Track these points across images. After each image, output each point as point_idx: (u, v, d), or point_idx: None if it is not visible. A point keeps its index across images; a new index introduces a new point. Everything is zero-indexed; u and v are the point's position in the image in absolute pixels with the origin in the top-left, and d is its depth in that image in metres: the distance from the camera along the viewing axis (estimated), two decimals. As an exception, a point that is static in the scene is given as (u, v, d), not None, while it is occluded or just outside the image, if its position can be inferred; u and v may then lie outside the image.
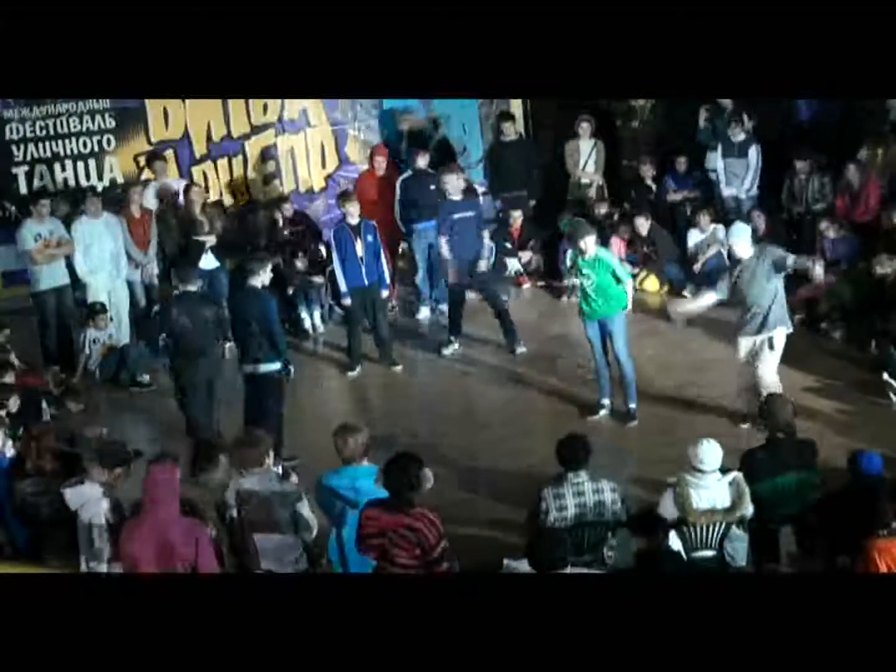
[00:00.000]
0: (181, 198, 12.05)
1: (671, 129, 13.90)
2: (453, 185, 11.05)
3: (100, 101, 12.64)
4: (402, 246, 12.83)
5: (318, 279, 12.28)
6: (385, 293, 11.32)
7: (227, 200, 13.28)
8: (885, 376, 9.29)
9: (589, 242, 9.19)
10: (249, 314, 8.94)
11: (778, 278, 8.59)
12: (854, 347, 10.28)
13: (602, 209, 13.07)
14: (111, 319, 11.40)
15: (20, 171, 12.52)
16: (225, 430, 9.32)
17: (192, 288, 9.32)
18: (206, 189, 13.15)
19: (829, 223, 11.58)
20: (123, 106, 12.65)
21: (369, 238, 10.78)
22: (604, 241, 12.64)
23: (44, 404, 9.32)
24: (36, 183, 12.56)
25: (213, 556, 6.10)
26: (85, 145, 12.71)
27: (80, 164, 12.71)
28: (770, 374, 8.66)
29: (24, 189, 12.51)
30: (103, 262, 11.47)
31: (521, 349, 10.94)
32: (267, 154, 13.48)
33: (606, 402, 9.49)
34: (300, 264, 12.34)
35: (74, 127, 12.63)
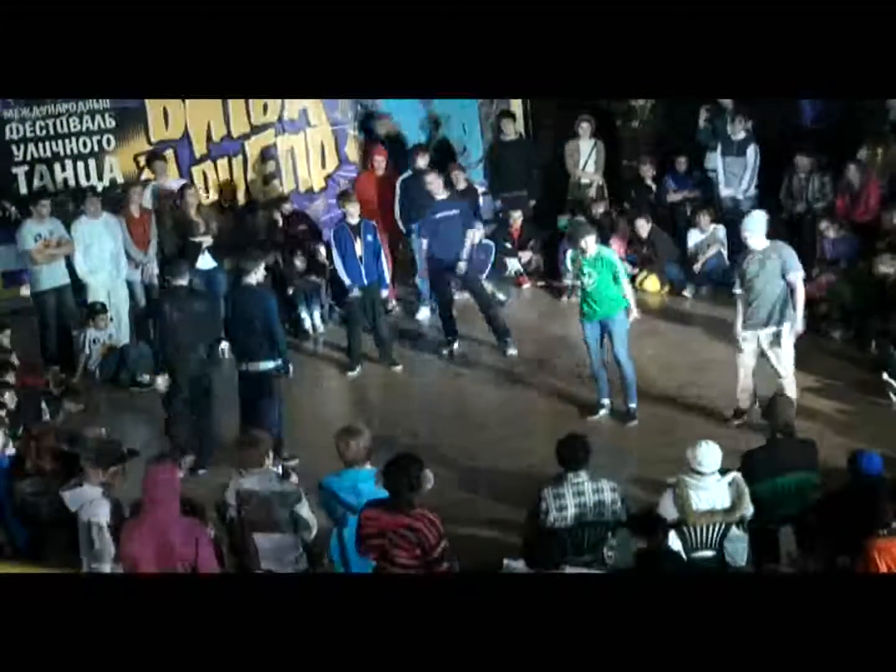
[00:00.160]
0: (178, 198, 12.04)
1: (671, 129, 13.89)
2: (435, 184, 11.03)
3: (100, 101, 12.63)
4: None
5: (318, 279, 12.29)
6: (385, 293, 11.33)
7: (227, 200, 13.26)
8: (885, 376, 9.29)
9: (590, 242, 9.21)
10: (250, 312, 8.94)
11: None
12: (854, 347, 10.29)
13: (600, 209, 13.07)
14: (111, 319, 11.40)
15: (20, 171, 12.51)
16: (223, 429, 9.38)
17: (183, 282, 9.32)
18: (206, 189, 13.17)
19: (829, 223, 11.58)
20: (123, 106, 12.64)
21: (369, 238, 10.78)
22: (604, 241, 12.70)
23: (44, 404, 9.31)
24: (36, 183, 12.55)
25: (213, 556, 6.09)
26: (85, 145, 12.70)
27: (80, 164, 12.70)
28: (785, 370, 8.67)
29: (24, 189, 12.50)
30: (103, 262, 11.47)
31: (512, 351, 10.93)
32: (267, 154, 13.47)
33: (606, 401, 9.49)
34: (300, 264, 12.34)
35: (74, 127, 12.62)
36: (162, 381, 9.17)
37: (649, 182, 13.34)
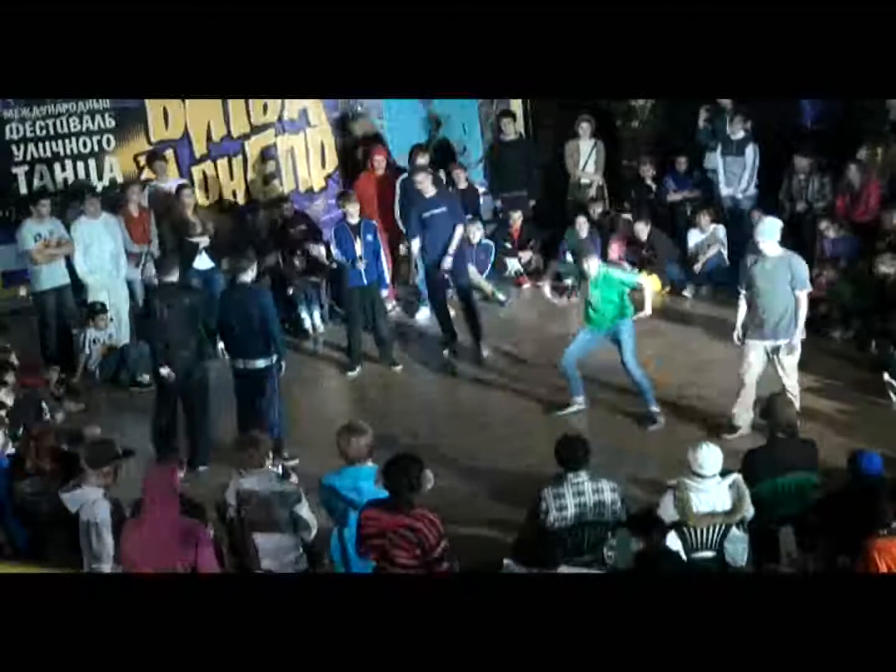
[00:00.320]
0: (173, 199, 12.04)
1: (671, 129, 13.90)
2: (424, 183, 11.02)
3: (100, 101, 12.63)
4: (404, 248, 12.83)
5: (318, 279, 12.29)
6: (385, 293, 11.33)
7: (227, 200, 13.27)
8: (886, 376, 9.29)
9: (592, 264, 9.18)
10: (246, 310, 8.96)
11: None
12: (854, 347, 10.29)
13: (599, 209, 13.08)
14: (111, 319, 11.40)
15: (20, 171, 12.51)
16: (218, 426, 9.40)
17: (172, 279, 9.33)
18: (206, 189, 13.17)
19: (829, 223, 11.58)
20: (123, 106, 12.63)
21: (369, 238, 10.79)
22: (603, 242, 12.72)
23: (44, 404, 9.31)
24: (36, 183, 12.55)
25: (213, 557, 6.10)
26: (85, 145, 12.69)
27: (80, 164, 12.70)
28: (791, 379, 8.61)
29: (24, 189, 12.50)
30: (103, 261, 11.47)
31: (485, 353, 10.94)
32: (267, 154, 13.47)
33: (580, 399, 9.52)
34: (300, 264, 12.34)
35: (74, 127, 12.61)
36: (167, 373, 9.16)
37: (649, 182, 13.35)
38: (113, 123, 12.73)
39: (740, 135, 12.45)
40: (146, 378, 10.85)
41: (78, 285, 11.52)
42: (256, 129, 13.38)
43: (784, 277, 8.47)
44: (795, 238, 11.31)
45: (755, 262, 8.61)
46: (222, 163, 13.30)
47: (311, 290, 12.22)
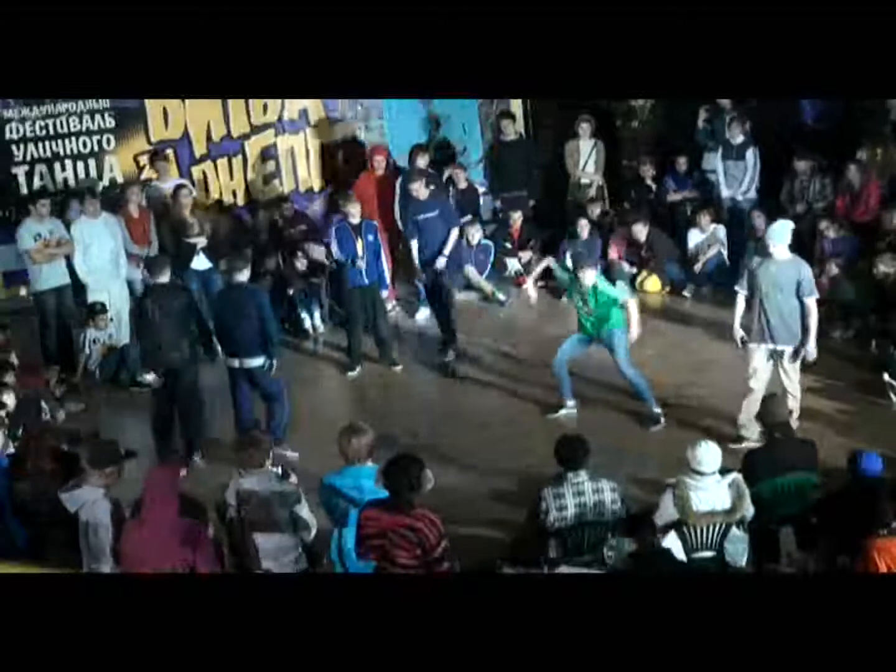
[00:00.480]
0: (170, 199, 12.05)
1: (671, 129, 13.90)
2: (418, 190, 11.07)
3: (100, 101, 12.63)
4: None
5: (318, 279, 12.28)
6: (385, 293, 11.33)
7: (224, 201, 13.27)
8: (886, 376, 9.29)
9: (588, 275, 9.18)
10: (243, 309, 8.98)
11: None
12: (854, 347, 10.29)
13: (599, 209, 13.08)
14: (111, 319, 11.40)
15: (20, 171, 12.52)
16: (216, 427, 9.41)
17: (163, 280, 9.35)
18: (206, 189, 13.17)
19: (829, 223, 11.58)
20: (123, 106, 12.64)
21: (370, 238, 10.79)
22: (603, 242, 12.73)
23: (44, 404, 9.31)
24: (36, 183, 12.55)
25: (212, 557, 6.09)
26: (85, 145, 12.70)
27: (80, 164, 12.71)
28: (794, 385, 8.58)
29: (24, 189, 12.50)
30: (103, 262, 11.46)
31: (450, 357, 10.97)
32: (267, 154, 13.47)
33: (571, 402, 9.54)
34: (300, 264, 12.34)
35: (74, 127, 12.62)
36: (152, 378, 9.21)
37: (649, 182, 13.35)
38: (113, 123, 12.74)
39: (740, 139, 12.44)
40: (146, 378, 10.84)
41: (78, 285, 11.52)
42: (256, 129, 13.39)
43: (791, 282, 8.35)
44: (796, 239, 11.31)
45: (760, 264, 8.51)
46: (222, 163, 13.31)
47: (311, 290, 12.22)
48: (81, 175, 12.66)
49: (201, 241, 11.74)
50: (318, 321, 12.20)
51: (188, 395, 9.29)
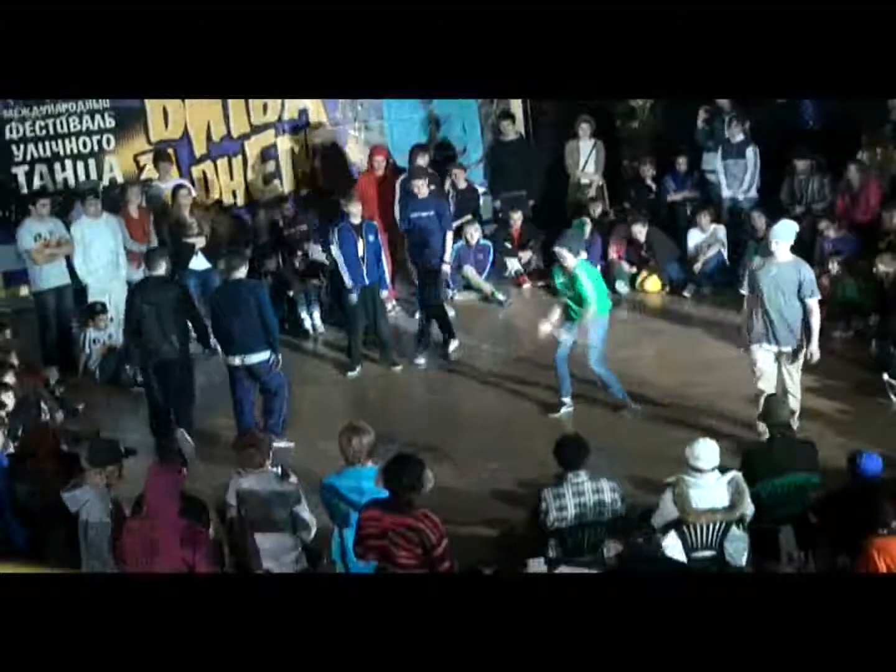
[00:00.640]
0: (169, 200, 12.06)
1: (671, 129, 13.90)
2: (420, 188, 11.10)
3: (100, 101, 12.64)
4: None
5: (318, 279, 12.28)
6: (385, 293, 11.33)
7: (227, 200, 13.28)
8: (886, 376, 9.29)
9: (568, 259, 9.20)
10: (243, 305, 9.00)
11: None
12: (854, 347, 10.28)
13: (599, 209, 13.08)
14: (111, 319, 11.39)
15: (20, 171, 12.52)
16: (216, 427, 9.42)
17: (159, 272, 9.37)
18: (206, 189, 13.17)
19: (828, 223, 11.58)
20: (123, 106, 12.65)
21: (371, 238, 10.78)
22: (603, 242, 12.73)
23: (44, 404, 9.32)
24: (36, 183, 12.56)
25: (211, 558, 6.09)
26: (85, 145, 12.71)
27: (80, 164, 12.71)
28: (795, 386, 8.55)
29: (24, 189, 12.51)
30: (103, 262, 11.46)
31: (420, 360, 10.99)
32: (267, 154, 13.48)
33: (567, 400, 9.54)
34: (300, 265, 12.34)
35: (74, 127, 12.63)
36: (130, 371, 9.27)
37: (649, 182, 13.35)
38: (113, 123, 12.75)
39: (739, 137, 12.45)
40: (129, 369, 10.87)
41: (78, 285, 11.52)
42: (256, 129, 13.39)
43: (792, 284, 8.32)
44: (796, 239, 11.31)
45: (761, 266, 8.48)
46: (222, 163, 13.31)
47: (311, 290, 12.21)
48: (81, 175, 12.67)
49: (200, 242, 11.74)
50: (318, 321, 12.20)
51: (179, 387, 9.36)
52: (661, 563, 6.15)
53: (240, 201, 13.45)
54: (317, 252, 12.43)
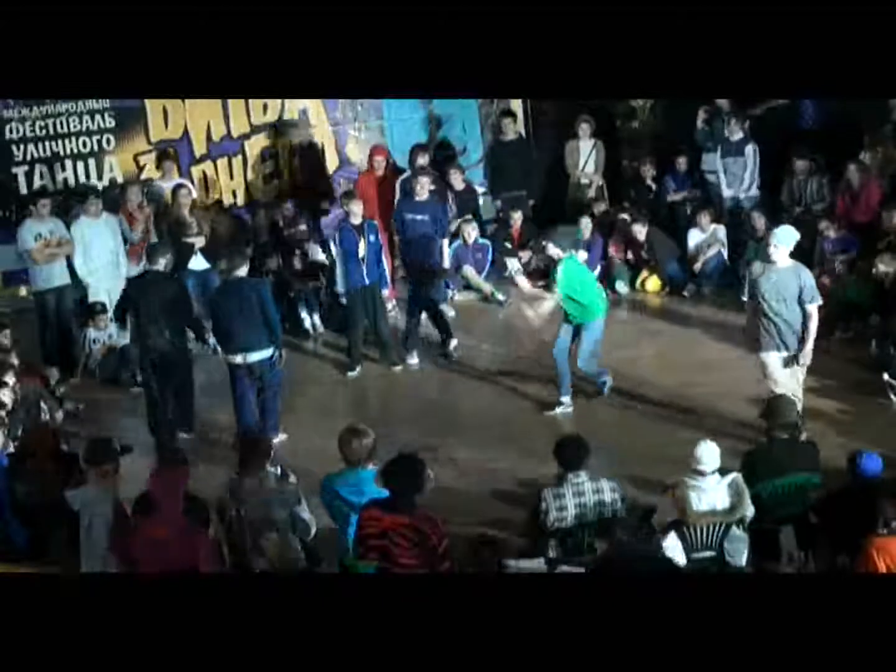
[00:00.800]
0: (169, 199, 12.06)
1: (671, 129, 13.90)
2: (421, 188, 11.11)
3: (100, 101, 12.64)
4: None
5: (318, 279, 12.28)
6: (385, 293, 11.34)
7: (227, 200, 13.28)
8: (886, 376, 9.29)
9: (552, 249, 9.34)
10: (246, 302, 9.01)
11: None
12: (854, 347, 10.28)
13: (599, 209, 13.08)
14: (111, 319, 11.39)
15: (20, 171, 12.52)
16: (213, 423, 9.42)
17: (157, 267, 9.39)
18: (206, 189, 13.17)
19: (829, 223, 11.58)
20: (123, 106, 12.65)
21: (371, 238, 10.79)
22: (603, 242, 12.74)
23: (43, 404, 9.32)
24: (36, 183, 12.56)
25: (212, 558, 6.09)
26: (85, 145, 12.71)
27: (80, 164, 12.71)
28: (800, 388, 8.53)
29: (24, 189, 12.51)
30: (103, 261, 11.47)
31: (412, 360, 10.98)
32: (267, 154, 13.47)
33: (566, 399, 9.55)
34: (300, 265, 12.33)
35: (74, 127, 12.63)
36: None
37: (649, 182, 13.35)
38: (113, 123, 12.75)
39: (739, 136, 12.45)
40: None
41: (78, 285, 11.52)
42: (256, 129, 13.39)
43: (793, 290, 8.25)
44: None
45: (761, 273, 8.38)
46: (222, 163, 13.31)
47: (311, 290, 12.21)
48: (81, 175, 12.66)
49: (199, 241, 11.74)
50: (317, 321, 12.20)
51: (177, 384, 9.39)
52: (647, 561, 6.13)
53: (240, 201, 13.45)
54: (317, 252, 12.44)
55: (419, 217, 11.03)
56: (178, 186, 12.09)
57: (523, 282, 9.56)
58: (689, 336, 11.22)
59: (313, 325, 12.15)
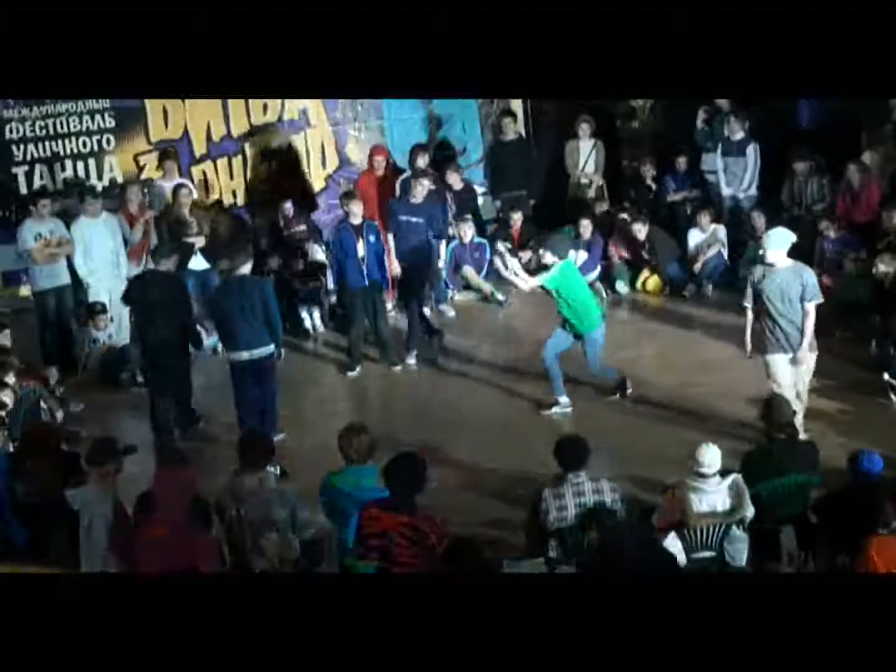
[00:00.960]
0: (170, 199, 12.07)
1: (671, 129, 13.91)
2: (418, 189, 11.11)
3: (100, 101, 12.64)
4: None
5: (318, 279, 12.28)
6: (385, 293, 11.34)
7: (227, 200, 13.28)
8: (886, 376, 9.29)
9: (548, 258, 9.41)
10: (248, 300, 9.02)
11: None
12: (854, 347, 10.28)
13: (599, 209, 13.08)
14: (111, 319, 11.40)
15: (20, 171, 12.53)
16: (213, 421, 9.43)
17: (161, 268, 9.41)
18: (206, 189, 13.17)
19: (829, 223, 11.58)
20: (123, 106, 12.65)
21: (371, 238, 10.79)
22: (603, 241, 12.74)
23: (44, 404, 9.32)
24: (36, 183, 12.56)
25: (213, 559, 6.09)
26: (85, 145, 12.71)
27: (80, 164, 12.71)
28: (804, 387, 8.53)
29: (24, 189, 12.51)
30: (103, 261, 11.47)
31: (410, 361, 10.98)
32: (266, 154, 13.47)
33: (563, 399, 9.57)
34: (300, 265, 12.34)
35: (74, 127, 12.63)
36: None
37: (649, 182, 13.35)
38: (113, 123, 12.75)
39: (739, 135, 12.46)
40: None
41: (78, 285, 11.52)
42: (256, 129, 13.38)
43: (795, 289, 8.23)
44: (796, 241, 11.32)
45: (763, 276, 8.33)
46: (222, 163, 13.31)
47: (311, 290, 12.21)
48: (81, 175, 12.66)
49: (199, 241, 11.75)
50: (318, 321, 12.20)
51: (176, 383, 9.41)
52: (631, 557, 6.10)
53: (240, 201, 13.45)
54: (317, 252, 12.44)
55: (414, 219, 11.04)
56: (179, 186, 12.09)
57: (514, 263, 9.61)
58: (689, 336, 11.22)
59: (313, 326, 12.15)
